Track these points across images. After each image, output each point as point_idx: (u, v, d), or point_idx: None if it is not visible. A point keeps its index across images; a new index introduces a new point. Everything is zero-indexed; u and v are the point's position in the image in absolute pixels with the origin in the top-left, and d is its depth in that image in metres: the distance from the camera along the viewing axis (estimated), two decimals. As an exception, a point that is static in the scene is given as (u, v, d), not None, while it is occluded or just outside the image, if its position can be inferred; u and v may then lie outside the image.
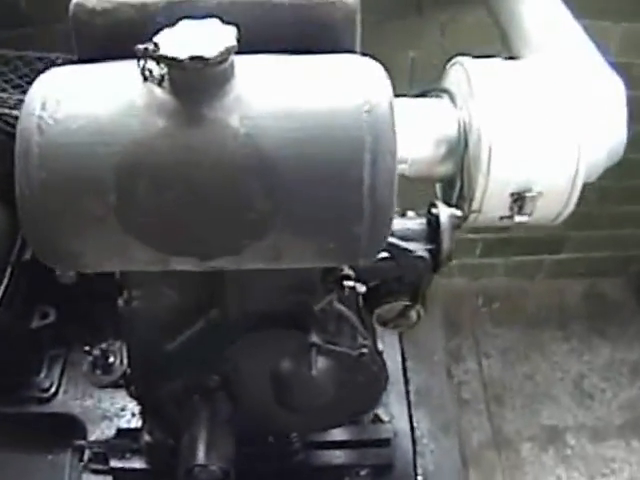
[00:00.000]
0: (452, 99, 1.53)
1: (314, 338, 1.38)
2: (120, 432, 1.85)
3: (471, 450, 2.54)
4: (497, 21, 1.91)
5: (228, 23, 0.98)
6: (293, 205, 0.97)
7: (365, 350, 1.44)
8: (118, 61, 1.06)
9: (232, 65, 0.98)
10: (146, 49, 0.94)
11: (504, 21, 1.87)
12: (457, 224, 1.45)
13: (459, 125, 1.48)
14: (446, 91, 1.58)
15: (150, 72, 0.99)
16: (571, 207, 1.52)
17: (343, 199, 0.97)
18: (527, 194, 1.51)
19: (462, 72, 1.55)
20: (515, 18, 1.81)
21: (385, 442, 1.92)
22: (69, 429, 1.90)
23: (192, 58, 0.92)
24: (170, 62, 0.94)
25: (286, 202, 0.96)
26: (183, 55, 0.92)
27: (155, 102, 0.97)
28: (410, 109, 1.54)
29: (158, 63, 0.97)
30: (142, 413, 1.74)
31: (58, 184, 0.96)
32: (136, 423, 1.86)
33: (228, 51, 0.94)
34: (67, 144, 0.96)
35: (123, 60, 1.05)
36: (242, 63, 0.99)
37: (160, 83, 0.98)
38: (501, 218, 1.60)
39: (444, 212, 1.46)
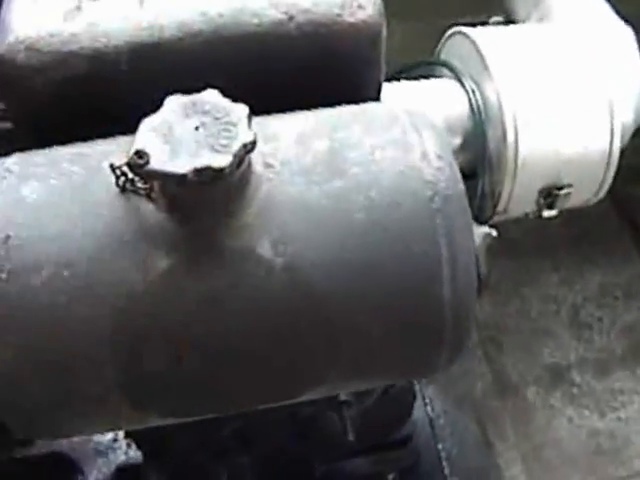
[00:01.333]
0: (458, 77, 1.28)
1: (343, 396, 1.20)
2: (120, 471, 1.65)
3: (473, 402, 2.44)
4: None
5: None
6: (358, 346, 0.72)
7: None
8: (72, 146, 0.76)
9: (250, 165, 0.69)
10: (126, 165, 0.65)
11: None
12: (493, 246, 1.24)
13: (473, 110, 1.24)
14: (448, 68, 1.31)
15: (132, 183, 0.70)
16: (609, 180, 1.31)
17: (421, 328, 0.73)
18: (559, 192, 1.31)
19: (467, 44, 1.29)
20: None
21: (407, 439, 1.80)
22: (60, 471, 1.68)
23: (198, 171, 0.64)
24: (166, 180, 0.65)
25: (350, 344, 0.72)
26: (183, 168, 0.64)
27: (147, 229, 0.69)
28: (412, 95, 1.28)
29: (144, 180, 0.68)
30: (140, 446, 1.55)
31: (33, 364, 0.68)
32: (134, 455, 1.65)
33: (246, 150, 0.65)
34: (31, 309, 0.68)
35: (78, 142, 0.76)
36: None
37: (149, 195, 0.70)
38: (526, 215, 1.41)
39: (477, 233, 1.23)
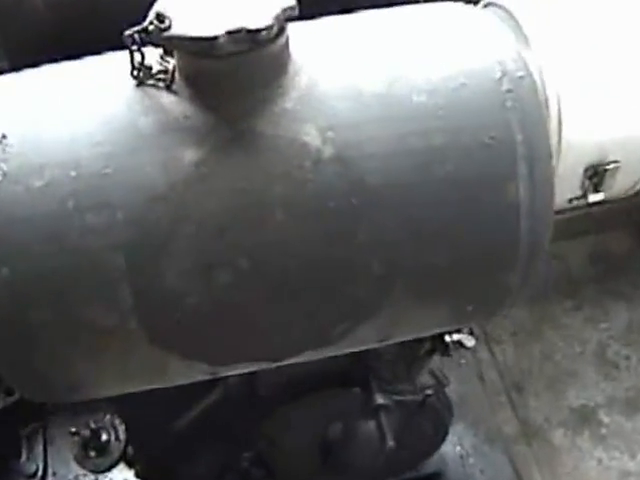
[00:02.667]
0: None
1: (379, 399, 1.06)
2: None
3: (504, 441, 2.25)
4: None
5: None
6: (418, 261, 0.60)
7: (429, 391, 1.19)
8: (82, 59, 0.67)
9: (288, 41, 0.60)
10: (144, 30, 0.55)
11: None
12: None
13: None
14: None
15: (149, 73, 0.59)
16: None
17: (492, 236, 0.61)
18: (606, 169, 1.21)
19: (502, 15, 1.22)
20: None
21: (437, 476, 1.68)
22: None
23: (231, 34, 0.53)
24: (192, 46, 0.55)
25: (408, 258, 0.60)
26: (213, 31, 0.54)
27: (170, 122, 0.58)
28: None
29: (165, 53, 0.58)
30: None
31: (30, 285, 0.56)
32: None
33: (285, 15, 0.56)
34: (31, 216, 0.56)
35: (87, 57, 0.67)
36: (301, 35, 0.62)
37: (169, 86, 0.59)
38: (570, 200, 1.30)
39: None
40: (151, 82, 0.61)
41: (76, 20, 0.75)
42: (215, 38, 0.55)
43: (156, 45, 0.58)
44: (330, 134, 0.59)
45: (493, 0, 1.25)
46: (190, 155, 0.58)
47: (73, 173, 0.57)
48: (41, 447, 1.59)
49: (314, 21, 0.67)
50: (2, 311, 0.57)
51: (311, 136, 0.58)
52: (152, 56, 0.62)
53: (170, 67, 0.60)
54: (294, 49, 0.62)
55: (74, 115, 0.61)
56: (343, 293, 0.60)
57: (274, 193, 0.58)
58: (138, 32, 0.57)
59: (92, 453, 1.50)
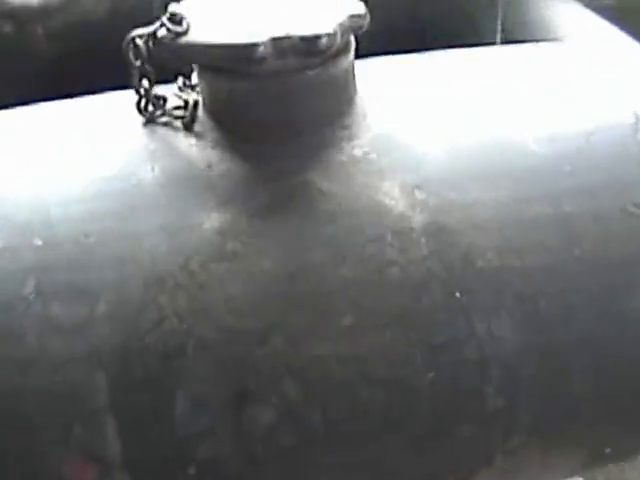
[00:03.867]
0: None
1: None
2: None
3: None
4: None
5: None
6: (549, 386, 0.40)
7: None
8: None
9: (354, 66, 0.42)
10: (152, 36, 0.38)
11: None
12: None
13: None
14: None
15: (162, 102, 0.42)
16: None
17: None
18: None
19: None
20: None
21: None
22: None
23: (277, 40, 0.38)
24: (220, 58, 0.38)
25: (535, 382, 0.39)
26: (252, 37, 0.37)
27: (187, 172, 0.40)
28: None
29: (185, 84, 0.41)
30: None
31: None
32: None
33: (353, 26, 0.40)
34: None
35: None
36: (370, 69, 0.45)
37: (189, 125, 0.42)
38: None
39: None
40: (164, 119, 0.43)
41: (79, 55, 0.59)
42: (254, 46, 0.37)
43: (168, 58, 0.40)
44: (419, 194, 0.40)
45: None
46: (213, 221, 0.39)
47: (38, 241, 0.39)
48: None
49: (385, 57, 0.50)
50: None
51: (393, 197, 0.39)
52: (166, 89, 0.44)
53: (190, 100, 0.43)
54: (362, 83, 0.44)
55: (53, 160, 0.43)
56: (448, 434, 0.39)
57: (339, 280, 0.38)
58: (144, 38, 0.39)
59: None
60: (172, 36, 0.38)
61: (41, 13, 0.58)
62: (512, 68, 0.51)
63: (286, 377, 0.37)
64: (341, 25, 0.39)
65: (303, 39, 0.37)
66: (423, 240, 0.39)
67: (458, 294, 0.38)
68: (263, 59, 0.37)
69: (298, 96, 0.40)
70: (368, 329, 0.38)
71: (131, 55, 0.41)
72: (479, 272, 0.39)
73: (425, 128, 0.43)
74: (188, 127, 0.43)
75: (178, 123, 0.43)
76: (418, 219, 0.39)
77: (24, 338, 0.37)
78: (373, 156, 0.41)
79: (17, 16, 0.58)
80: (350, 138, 0.42)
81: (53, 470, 0.38)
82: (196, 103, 0.43)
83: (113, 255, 0.38)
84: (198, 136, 0.42)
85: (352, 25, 0.39)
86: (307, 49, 0.38)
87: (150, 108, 0.43)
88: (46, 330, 0.37)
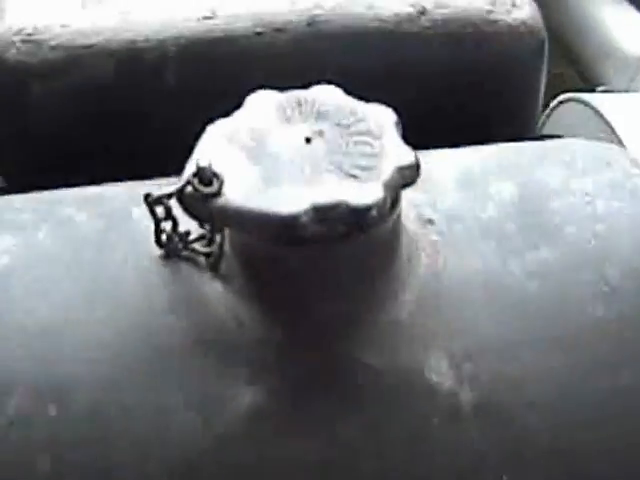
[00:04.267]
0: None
1: None
2: None
3: None
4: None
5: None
6: None
7: None
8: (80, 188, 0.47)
9: (400, 214, 0.38)
10: (177, 195, 0.34)
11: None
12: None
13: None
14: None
15: (184, 242, 0.38)
16: None
17: None
18: None
19: (586, 112, 1.02)
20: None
21: None
22: None
23: (320, 212, 0.34)
24: (258, 227, 0.34)
25: None
26: (291, 206, 0.34)
27: (212, 329, 0.37)
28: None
29: (211, 232, 0.37)
30: None
31: None
32: None
33: (404, 179, 0.35)
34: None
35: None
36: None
37: (215, 265, 0.38)
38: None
39: None
40: (186, 253, 0.39)
41: (80, 120, 0.54)
42: (295, 219, 0.33)
43: (194, 216, 0.36)
44: (469, 367, 0.36)
45: (572, 96, 1.07)
46: (246, 397, 0.35)
47: (52, 411, 0.35)
48: None
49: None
50: None
51: (440, 371, 0.36)
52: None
53: (217, 237, 0.38)
54: (405, 210, 0.40)
55: (65, 296, 0.39)
56: None
57: (380, 473, 0.35)
58: (164, 199, 0.35)
59: None
60: (201, 198, 0.34)
61: (41, 72, 0.53)
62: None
63: None
64: (389, 186, 0.34)
65: (351, 210, 0.33)
66: (473, 421, 0.36)
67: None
68: (305, 229, 0.33)
69: (339, 260, 0.36)
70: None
71: (150, 211, 0.36)
72: (532, 456, 0.36)
73: (475, 271, 0.40)
74: (215, 267, 0.39)
75: (202, 259, 0.39)
76: (467, 398, 0.36)
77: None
78: (419, 319, 0.38)
79: (16, 74, 0.53)
80: (395, 295, 0.38)
81: None
82: (223, 241, 0.39)
83: (130, 432, 0.35)
84: (225, 280, 0.38)
85: (403, 181, 0.35)
86: (355, 221, 0.33)
87: (171, 243, 0.39)
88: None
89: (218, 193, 0.34)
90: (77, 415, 0.35)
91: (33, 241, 0.41)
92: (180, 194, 0.34)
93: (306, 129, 0.37)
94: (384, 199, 0.34)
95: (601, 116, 0.96)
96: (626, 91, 1.24)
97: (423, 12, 0.56)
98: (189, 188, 0.34)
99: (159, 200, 0.35)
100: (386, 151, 0.36)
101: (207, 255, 0.39)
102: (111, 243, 0.41)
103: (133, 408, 0.36)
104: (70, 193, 0.46)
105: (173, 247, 0.39)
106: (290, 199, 0.34)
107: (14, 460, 0.35)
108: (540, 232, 0.42)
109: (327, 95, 0.39)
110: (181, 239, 0.39)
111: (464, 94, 0.58)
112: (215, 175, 0.34)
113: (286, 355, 0.36)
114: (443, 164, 0.47)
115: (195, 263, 0.40)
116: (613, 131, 0.94)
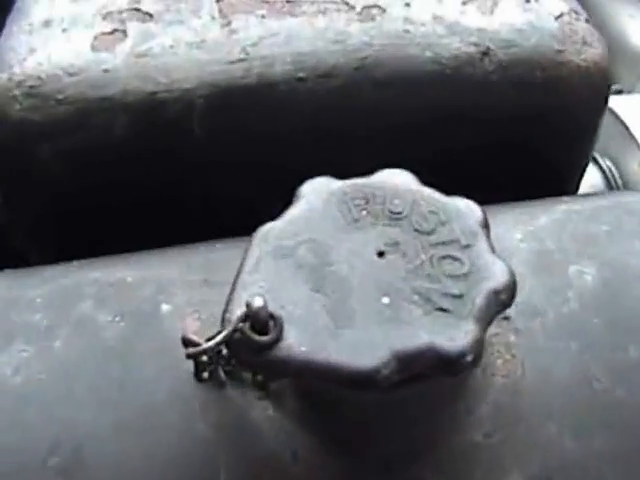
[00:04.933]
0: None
1: None
2: None
3: None
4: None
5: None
6: None
7: None
8: (99, 260, 0.43)
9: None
10: (226, 343, 0.28)
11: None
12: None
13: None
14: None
15: (228, 363, 0.32)
16: None
17: None
18: None
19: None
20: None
21: None
22: None
23: (403, 360, 0.27)
24: (329, 380, 0.27)
25: None
26: (366, 361, 0.27)
27: (265, 465, 0.31)
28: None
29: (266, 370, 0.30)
30: None
31: None
32: None
33: (498, 310, 0.28)
34: None
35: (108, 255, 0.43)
36: None
37: (263, 386, 0.32)
38: None
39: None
40: (228, 368, 0.33)
41: (95, 183, 0.47)
42: (375, 372, 0.26)
43: (247, 366, 0.29)
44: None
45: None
46: None
47: None
48: None
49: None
50: None
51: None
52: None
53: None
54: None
55: (88, 422, 0.33)
56: None
57: None
58: (209, 351, 0.29)
59: None
60: (254, 349, 0.27)
61: (48, 130, 0.46)
62: None
63: None
64: (484, 318, 0.28)
65: (441, 357, 0.27)
66: None
67: None
68: (384, 380, 0.27)
69: (413, 394, 0.30)
70: None
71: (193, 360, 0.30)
72: None
73: (555, 389, 0.34)
74: (263, 386, 0.33)
75: (247, 388, 0.33)
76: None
77: None
78: (495, 438, 0.32)
79: (22, 132, 0.46)
80: (470, 411, 0.32)
81: None
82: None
83: None
84: (276, 402, 0.32)
85: (497, 308, 0.29)
86: (445, 369, 0.27)
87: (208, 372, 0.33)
88: None
89: (277, 340, 0.27)
90: None
91: (49, 352, 0.35)
92: (231, 337, 0.28)
93: (377, 238, 0.31)
94: (479, 341, 0.28)
95: (617, 117, 0.95)
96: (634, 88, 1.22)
97: (487, 53, 0.49)
98: (239, 334, 0.28)
99: (202, 352, 0.29)
100: (478, 268, 0.30)
101: (254, 373, 0.33)
102: (139, 354, 0.35)
103: None
104: (88, 279, 0.39)
105: (211, 371, 0.33)
106: (367, 345, 0.27)
107: None
108: (626, 327, 0.37)
109: (398, 186, 0.33)
110: (225, 363, 0.33)
111: (526, 141, 0.52)
112: (272, 317, 0.28)
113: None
114: (512, 232, 0.41)
115: (240, 381, 0.34)
116: (630, 133, 0.92)
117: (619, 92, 1.26)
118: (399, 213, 0.32)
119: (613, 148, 1.00)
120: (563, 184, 0.56)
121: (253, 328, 0.27)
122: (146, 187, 0.47)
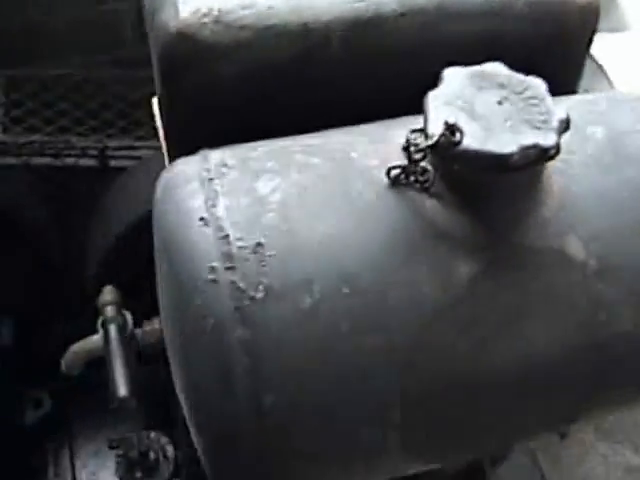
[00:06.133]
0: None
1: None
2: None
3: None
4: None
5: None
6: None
7: None
8: (287, 139, 0.64)
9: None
10: (433, 147, 0.52)
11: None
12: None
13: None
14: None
15: (406, 175, 0.56)
16: None
17: None
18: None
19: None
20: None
21: None
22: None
23: (525, 150, 0.53)
24: (485, 163, 0.52)
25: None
26: (507, 147, 0.52)
27: (438, 231, 0.55)
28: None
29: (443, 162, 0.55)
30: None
31: (298, 412, 0.53)
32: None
33: (563, 127, 0.55)
34: (302, 338, 0.53)
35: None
36: None
37: (427, 188, 0.56)
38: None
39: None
40: (404, 181, 0.57)
41: (267, 107, 0.68)
42: (509, 156, 0.52)
43: (442, 159, 0.54)
44: (593, 246, 0.57)
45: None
46: (466, 270, 0.55)
47: (346, 289, 0.54)
48: (68, 462, 1.54)
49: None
50: (260, 443, 0.53)
51: (575, 248, 0.57)
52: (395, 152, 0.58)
53: (429, 167, 0.56)
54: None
55: (325, 212, 0.56)
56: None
57: (543, 309, 0.57)
58: (424, 150, 0.53)
59: (139, 474, 1.45)
60: (448, 146, 0.52)
61: (233, 51, 0.67)
62: None
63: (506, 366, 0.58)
64: (559, 132, 0.54)
65: (542, 149, 0.52)
66: (597, 282, 0.57)
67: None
68: (515, 162, 0.52)
69: (519, 181, 0.56)
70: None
71: (409, 155, 0.54)
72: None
73: (589, 185, 0.60)
74: (427, 190, 0.57)
75: (417, 186, 0.57)
76: (593, 265, 0.57)
77: (344, 360, 0.53)
78: (559, 216, 0.58)
79: (211, 52, 0.67)
80: (541, 203, 0.58)
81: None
82: (434, 171, 0.57)
83: (400, 298, 0.54)
84: (438, 198, 0.57)
85: (563, 129, 0.54)
86: (541, 156, 0.53)
87: (396, 175, 0.57)
88: (359, 355, 0.53)
89: (460, 141, 0.52)
90: (362, 289, 0.54)
91: (291, 181, 0.58)
92: (437, 143, 0.52)
93: (496, 95, 0.56)
94: (558, 142, 0.53)
95: (590, 56, 1.07)
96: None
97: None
98: (443, 138, 0.52)
99: (421, 150, 0.54)
100: (550, 110, 0.55)
101: (421, 182, 0.57)
102: (347, 179, 0.58)
103: (392, 283, 0.54)
104: (292, 144, 0.62)
105: (397, 179, 0.57)
106: (506, 143, 0.52)
107: (323, 326, 0.53)
108: (624, 155, 0.63)
109: (498, 69, 0.58)
110: (404, 174, 0.57)
111: (541, 59, 0.76)
112: (458, 129, 0.52)
113: (491, 245, 0.56)
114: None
115: (412, 187, 0.57)
116: (603, 71, 1.08)
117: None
118: (502, 83, 0.57)
119: (587, 82, 1.19)
120: (567, 87, 0.80)
121: (452, 133, 0.52)
122: (298, 96, 0.68)
